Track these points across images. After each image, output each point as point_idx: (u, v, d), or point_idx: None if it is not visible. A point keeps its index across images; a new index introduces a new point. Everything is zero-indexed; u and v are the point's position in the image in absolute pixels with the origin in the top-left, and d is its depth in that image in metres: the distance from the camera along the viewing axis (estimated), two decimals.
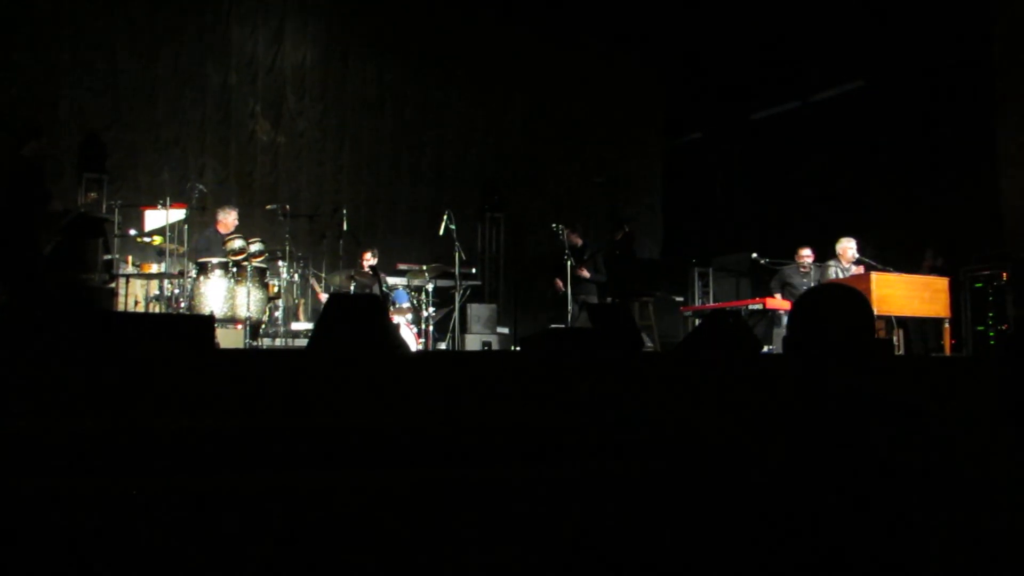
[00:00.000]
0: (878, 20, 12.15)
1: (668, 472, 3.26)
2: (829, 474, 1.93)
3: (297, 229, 10.85)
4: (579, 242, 10.92)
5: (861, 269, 9.68)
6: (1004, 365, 2.50)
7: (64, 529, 2.69)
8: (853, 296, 2.21)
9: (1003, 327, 9.32)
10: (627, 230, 11.61)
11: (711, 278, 12.89)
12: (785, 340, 2.25)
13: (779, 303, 9.76)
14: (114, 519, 2.74)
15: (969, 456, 1.96)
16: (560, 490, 3.19)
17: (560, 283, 10.47)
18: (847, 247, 9.75)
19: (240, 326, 8.91)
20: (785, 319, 9.66)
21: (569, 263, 10.18)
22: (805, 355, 2.16)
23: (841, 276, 9.69)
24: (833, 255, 9.86)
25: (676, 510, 2.96)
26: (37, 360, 3.56)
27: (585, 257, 10.79)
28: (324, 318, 5.15)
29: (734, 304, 10.13)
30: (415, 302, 10.39)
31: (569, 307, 10.19)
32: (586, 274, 10.58)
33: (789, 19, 13.21)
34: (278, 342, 9.68)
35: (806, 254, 10.20)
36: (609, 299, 11.00)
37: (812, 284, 10.01)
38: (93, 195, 10.06)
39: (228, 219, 9.91)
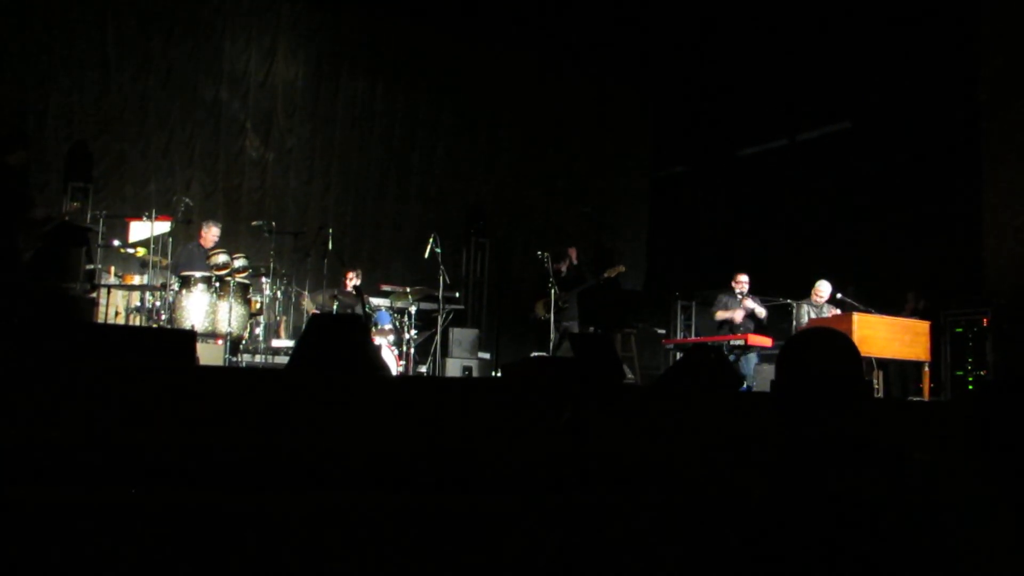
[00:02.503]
0: (866, 63, 12.28)
1: (646, 506, 3.25)
2: (810, 515, 1.93)
3: (282, 246, 10.82)
4: (563, 269, 10.90)
5: (836, 311, 9.75)
6: (981, 410, 2.51)
7: (31, 538, 2.66)
8: (842, 342, 2.21)
9: (982, 372, 9.37)
10: (623, 269, 11.58)
11: (694, 312, 12.91)
12: (772, 383, 2.25)
13: (761, 339, 9.79)
14: (83, 531, 2.71)
15: (946, 500, 1.96)
16: (538, 520, 3.17)
17: (541, 307, 10.49)
18: (818, 288, 9.87)
19: (221, 341, 8.88)
20: (755, 356, 9.77)
21: (553, 291, 10.18)
22: (792, 398, 2.16)
23: (813, 316, 9.76)
24: (801, 294, 10.00)
25: (654, 544, 2.95)
26: (12, 367, 3.52)
27: (570, 286, 10.76)
28: (305, 337, 5.13)
29: (716, 339, 10.15)
30: (397, 324, 10.37)
31: (551, 335, 10.18)
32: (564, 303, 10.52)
33: (778, 59, 13.32)
34: (258, 359, 9.64)
35: (743, 279, 10.32)
36: (592, 329, 11.00)
37: (744, 310, 10.14)
38: (76, 204, 9.99)
39: (210, 234, 9.90)
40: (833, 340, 2.20)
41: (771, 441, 2.13)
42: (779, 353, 2.31)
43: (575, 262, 11.11)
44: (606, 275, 11.18)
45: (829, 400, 2.11)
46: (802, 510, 1.94)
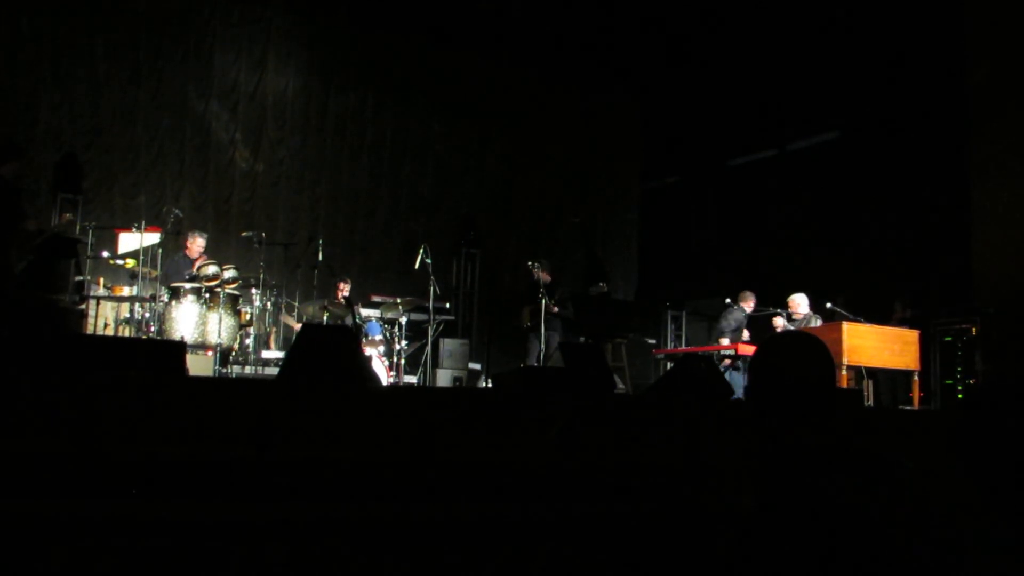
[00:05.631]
0: (855, 73, 12.33)
1: (637, 515, 3.25)
2: (800, 523, 1.93)
3: (272, 257, 10.80)
4: (548, 279, 10.84)
5: (818, 322, 9.80)
6: (968, 419, 2.51)
7: (18, 549, 2.64)
8: (812, 345, 2.20)
9: (971, 381, 9.39)
10: (605, 290, 11.56)
11: (684, 321, 12.92)
12: (745, 389, 2.24)
13: (750, 350, 9.80)
14: (71, 542, 2.70)
15: (936, 507, 1.97)
16: (529, 529, 3.17)
17: (527, 314, 10.52)
18: (792, 302, 9.96)
19: (210, 352, 8.85)
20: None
21: (544, 300, 10.16)
22: (763, 404, 2.16)
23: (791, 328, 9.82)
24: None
25: (645, 553, 2.94)
26: (2, 378, 3.51)
27: (556, 297, 10.74)
28: (296, 348, 5.12)
29: (706, 348, 10.16)
30: (388, 335, 10.36)
31: (542, 344, 10.17)
32: (555, 309, 10.51)
33: (768, 69, 13.38)
34: (248, 370, 9.61)
35: (752, 301, 10.47)
36: (582, 339, 11.00)
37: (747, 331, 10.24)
38: (69, 216, 9.96)
39: (195, 244, 9.88)
40: (804, 344, 2.20)
41: (759, 450, 2.13)
42: (751, 359, 2.29)
43: (548, 280, 10.96)
44: (590, 292, 11.17)
45: (800, 405, 2.11)
46: (792, 518, 1.94)
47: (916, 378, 9.25)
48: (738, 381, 9.81)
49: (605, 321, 11.14)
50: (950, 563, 1.88)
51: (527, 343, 10.66)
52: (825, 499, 1.92)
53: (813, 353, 2.17)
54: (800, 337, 2.24)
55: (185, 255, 9.85)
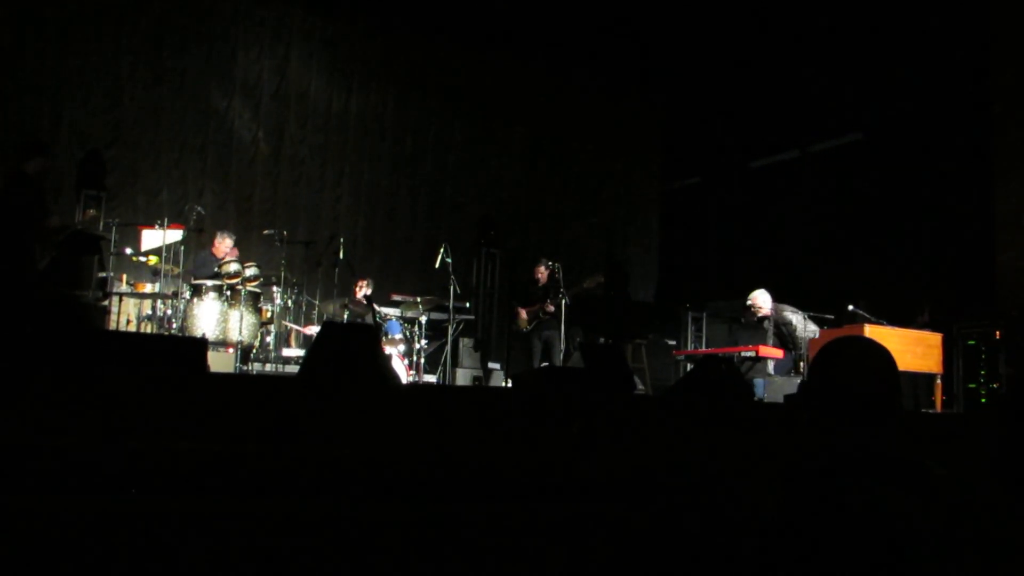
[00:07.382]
0: (878, 75, 12.26)
1: (657, 517, 3.24)
2: (824, 526, 1.91)
3: (293, 255, 10.84)
4: (543, 279, 10.76)
5: (795, 317, 9.72)
6: (998, 424, 2.49)
7: (42, 545, 2.66)
8: (875, 351, 2.18)
9: (995, 385, 9.31)
10: (602, 279, 11.42)
11: (704, 323, 12.86)
12: (801, 385, 2.24)
13: (772, 351, 9.74)
14: (94, 538, 2.71)
15: (965, 513, 1.95)
16: (548, 530, 3.16)
17: (523, 314, 10.53)
18: (755, 298, 9.82)
19: (231, 350, 8.90)
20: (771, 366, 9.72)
21: (563, 299, 10.13)
22: (818, 405, 2.14)
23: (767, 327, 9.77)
24: (811, 305, 9.96)
25: (664, 556, 2.93)
26: (25, 375, 3.53)
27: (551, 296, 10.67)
28: (316, 346, 5.13)
29: (727, 350, 10.10)
30: (408, 334, 10.37)
31: (561, 344, 10.15)
32: (551, 308, 10.46)
33: (790, 70, 13.32)
34: (268, 367, 9.64)
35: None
36: (602, 339, 10.98)
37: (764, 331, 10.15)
38: (93, 212, 10.02)
39: (223, 245, 9.95)
40: (866, 350, 2.18)
41: (784, 452, 2.12)
42: (813, 358, 2.29)
43: (542, 281, 10.92)
44: (585, 285, 11.05)
45: (858, 410, 2.09)
46: (816, 521, 1.93)
47: (939, 381, 9.17)
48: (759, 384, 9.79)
49: (618, 322, 11.10)
50: (979, 567, 1.86)
51: (530, 346, 10.64)
52: (853, 503, 1.90)
53: (875, 360, 2.15)
54: (863, 343, 2.22)
55: (211, 253, 9.91)
